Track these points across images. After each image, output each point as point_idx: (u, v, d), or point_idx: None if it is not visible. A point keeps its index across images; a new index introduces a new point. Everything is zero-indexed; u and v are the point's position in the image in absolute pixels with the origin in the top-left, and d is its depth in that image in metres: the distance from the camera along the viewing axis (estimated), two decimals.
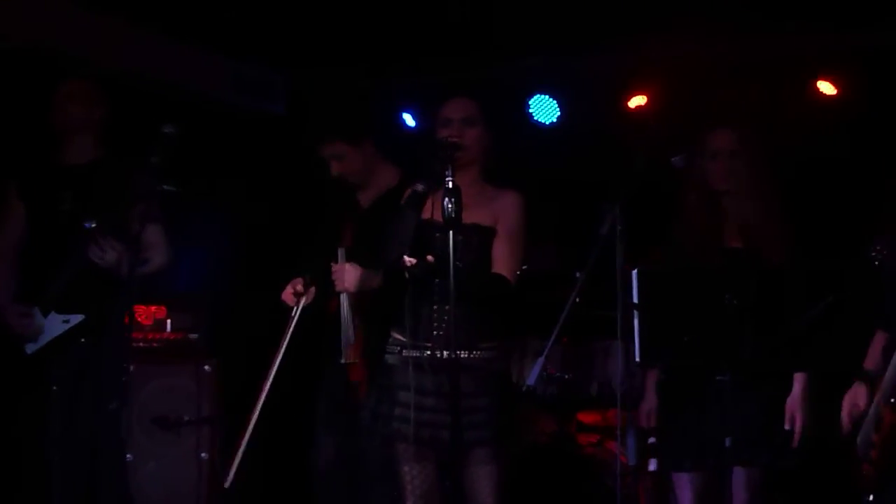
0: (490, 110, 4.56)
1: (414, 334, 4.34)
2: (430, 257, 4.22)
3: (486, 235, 4.45)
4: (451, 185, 4.12)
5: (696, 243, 4.51)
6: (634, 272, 4.07)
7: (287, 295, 4.70)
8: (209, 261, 6.56)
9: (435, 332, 4.34)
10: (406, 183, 4.52)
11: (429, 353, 4.32)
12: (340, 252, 4.62)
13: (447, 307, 4.22)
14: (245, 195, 6.90)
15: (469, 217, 4.26)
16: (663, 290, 4.11)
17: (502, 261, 4.44)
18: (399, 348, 4.42)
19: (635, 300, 4.05)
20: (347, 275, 4.56)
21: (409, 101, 7.31)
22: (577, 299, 4.14)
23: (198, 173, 5.62)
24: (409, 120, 7.38)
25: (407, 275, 4.23)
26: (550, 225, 5.66)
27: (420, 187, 4.26)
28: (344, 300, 4.62)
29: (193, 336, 5.90)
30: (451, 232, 4.11)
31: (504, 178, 4.53)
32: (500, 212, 4.48)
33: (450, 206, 4.08)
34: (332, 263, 4.60)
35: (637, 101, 6.68)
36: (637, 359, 4.10)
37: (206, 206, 6.47)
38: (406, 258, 4.20)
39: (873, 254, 3.89)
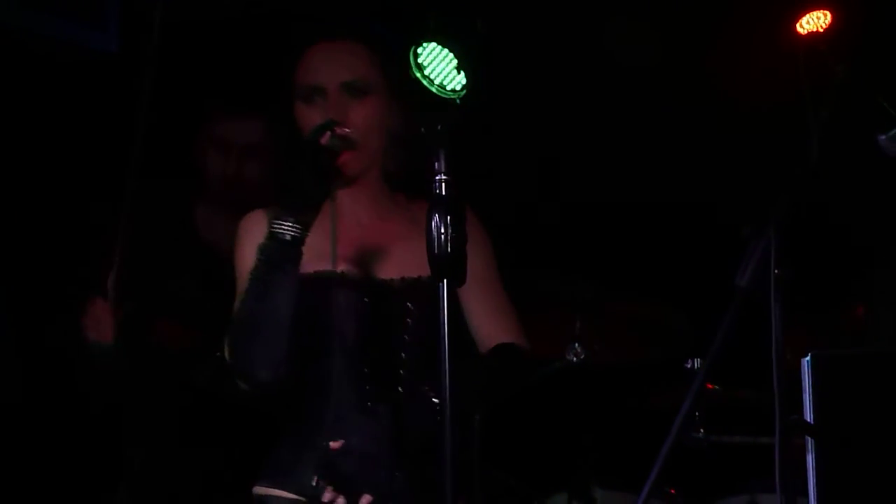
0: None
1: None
2: None
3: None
4: (443, 190, 2.39)
5: None
6: (806, 360, 2.48)
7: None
8: None
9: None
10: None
11: None
12: None
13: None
14: None
15: (386, 269, 2.86)
16: (868, 395, 2.44)
17: (494, 316, 2.94)
18: None
19: (807, 417, 2.43)
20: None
21: None
22: (697, 415, 3.19)
23: None
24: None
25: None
26: (627, 269, 4.12)
27: (289, 228, 2.70)
28: None
29: None
30: (444, 283, 2.35)
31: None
32: None
33: (442, 231, 2.35)
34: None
35: (814, 20, 4.24)
36: None
37: None
38: None
39: None
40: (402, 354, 2.82)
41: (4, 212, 4.40)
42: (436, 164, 2.39)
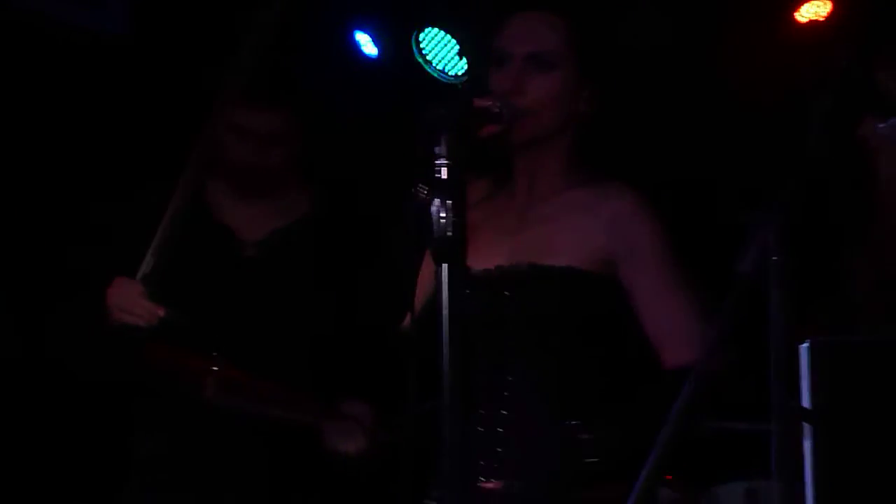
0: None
1: None
2: None
3: (591, 286, 2.74)
4: (444, 173, 2.33)
5: None
6: (804, 346, 2.38)
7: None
8: None
9: None
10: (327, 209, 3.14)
11: None
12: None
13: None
14: None
15: (492, 258, 2.75)
16: (867, 383, 2.39)
17: (663, 322, 2.79)
18: None
19: (806, 403, 2.35)
20: None
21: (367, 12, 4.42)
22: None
23: None
24: (366, 45, 4.57)
25: None
26: None
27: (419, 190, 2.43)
28: None
29: None
30: (444, 269, 2.26)
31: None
32: (620, 229, 2.80)
33: (442, 214, 2.28)
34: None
35: (814, 9, 4.22)
36: None
37: None
38: None
39: None
40: (510, 342, 2.71)
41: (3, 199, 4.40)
42: (436, 148, 2.39)
